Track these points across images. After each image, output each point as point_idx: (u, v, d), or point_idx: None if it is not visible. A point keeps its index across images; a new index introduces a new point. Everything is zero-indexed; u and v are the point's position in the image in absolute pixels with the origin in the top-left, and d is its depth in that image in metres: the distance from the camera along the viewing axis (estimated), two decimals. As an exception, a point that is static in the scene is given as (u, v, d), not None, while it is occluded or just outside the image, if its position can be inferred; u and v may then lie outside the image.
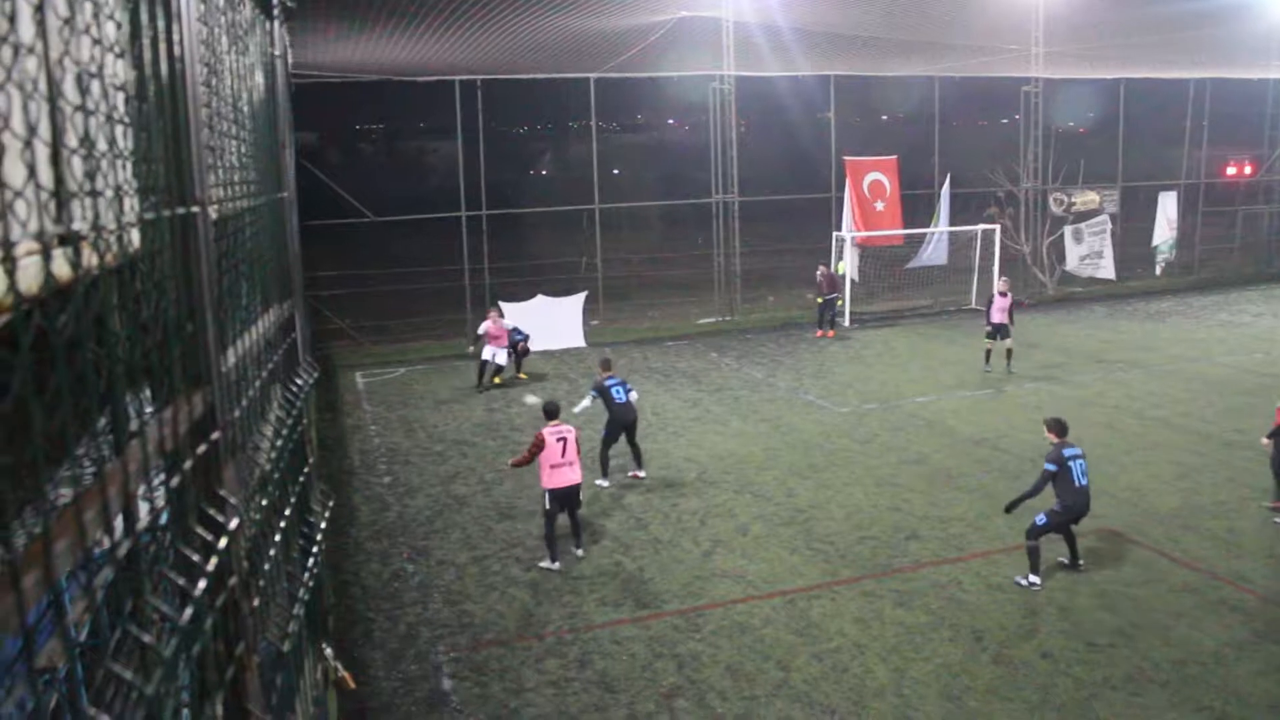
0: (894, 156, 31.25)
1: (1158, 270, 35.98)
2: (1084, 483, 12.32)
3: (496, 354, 22.28)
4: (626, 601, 12.08)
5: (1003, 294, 23.23)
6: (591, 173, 28.71)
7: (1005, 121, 39.34)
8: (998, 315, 22.98)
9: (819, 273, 27.25)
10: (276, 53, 5.02)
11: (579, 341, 26.53)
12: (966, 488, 15.76)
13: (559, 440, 12.89)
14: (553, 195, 33.64)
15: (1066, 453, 12.38)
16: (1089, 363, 23.79)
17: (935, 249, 31.57)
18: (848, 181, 29.99)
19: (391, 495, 15.96)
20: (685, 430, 18.97)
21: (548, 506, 12.96)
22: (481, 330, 22.37)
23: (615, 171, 49.79)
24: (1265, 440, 15.02)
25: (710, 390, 21.77)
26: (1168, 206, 35.55)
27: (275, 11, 4.98)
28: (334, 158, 56.40)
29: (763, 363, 24.54)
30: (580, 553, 13.35)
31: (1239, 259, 38.92)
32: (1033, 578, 12.28)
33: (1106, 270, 34.18)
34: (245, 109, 3.78)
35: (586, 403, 16.28)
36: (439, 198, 28.95)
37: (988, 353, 23.35)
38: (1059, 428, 12.73)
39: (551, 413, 13.49)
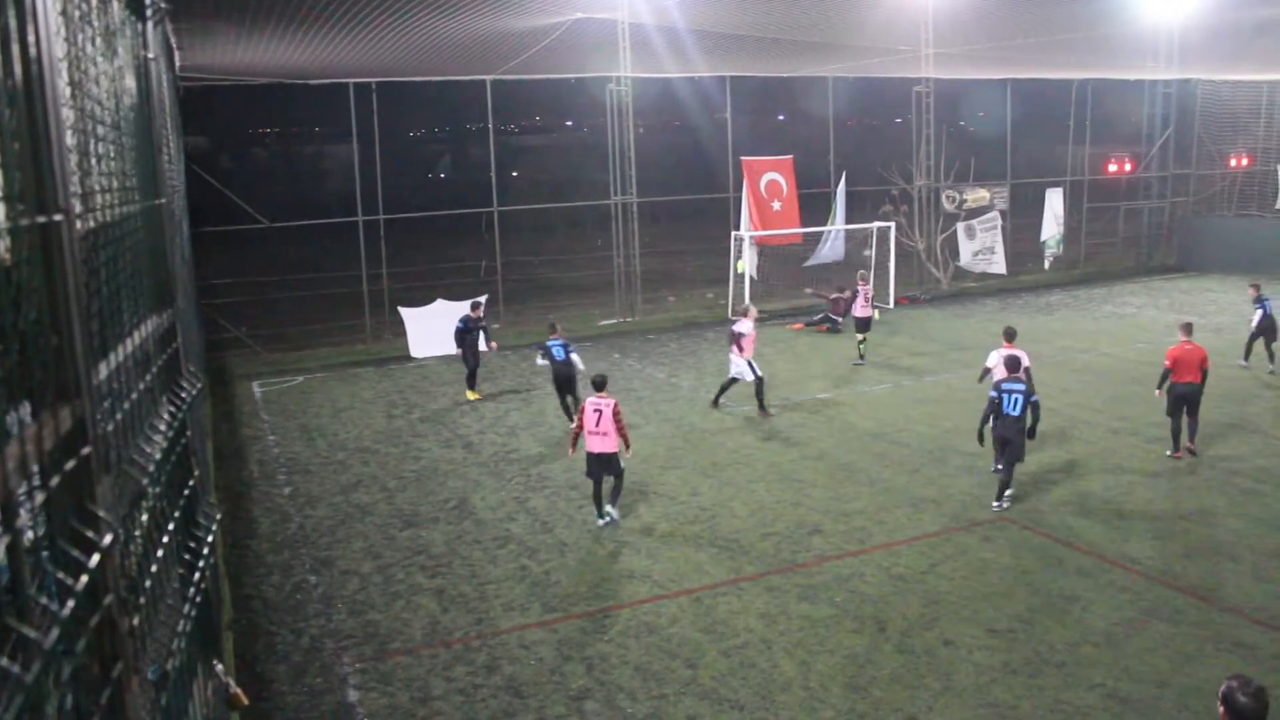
0: (790, 156, 31.63)
1: (1046, 264, 36.99)
2: (1013, 413, 14.21)
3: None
4: (533, 605, 12.02)
5: (862, 288, 24.49)
6: (490, 175, 28.56)
7: (899, 121, 40.07)
8: (861, 310, 24.10)
9: (850, 292, 26.31)
10: (150, 54, 4.88)
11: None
12: (866, 481, 16.01)
13: (595, 411, 14.14)
14: (451, 199, 33.35)
15: (1004, 385, 14.39)
16: (981, 355, 24.31)
17: (832, 246, 32.03)
18: (745, 181, 30.27)
19: (292, 506, 15.66)
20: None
21: (587, 470, 14.42)
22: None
23: (514, 174, 49.58)
24: (1157, 392, 16.79)
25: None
26: (1055, 203, 36.58)
27: (148, 12, 4.84)
28: (227, 163, 55.14)
29: (665, 363, 24.65)
30: (613, 511, 14.43)
31: (1121, 253, 40.20)
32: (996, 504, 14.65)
33: (998, 265, 35.03)
34: (115, 113, 3.67)
35: (539, 360, 18.77)
36: (336, 202, 28.56)
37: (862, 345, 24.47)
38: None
39: (598, 385, 14.69)
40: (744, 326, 19.84)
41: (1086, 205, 39.14)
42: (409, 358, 25.46)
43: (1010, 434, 14.36)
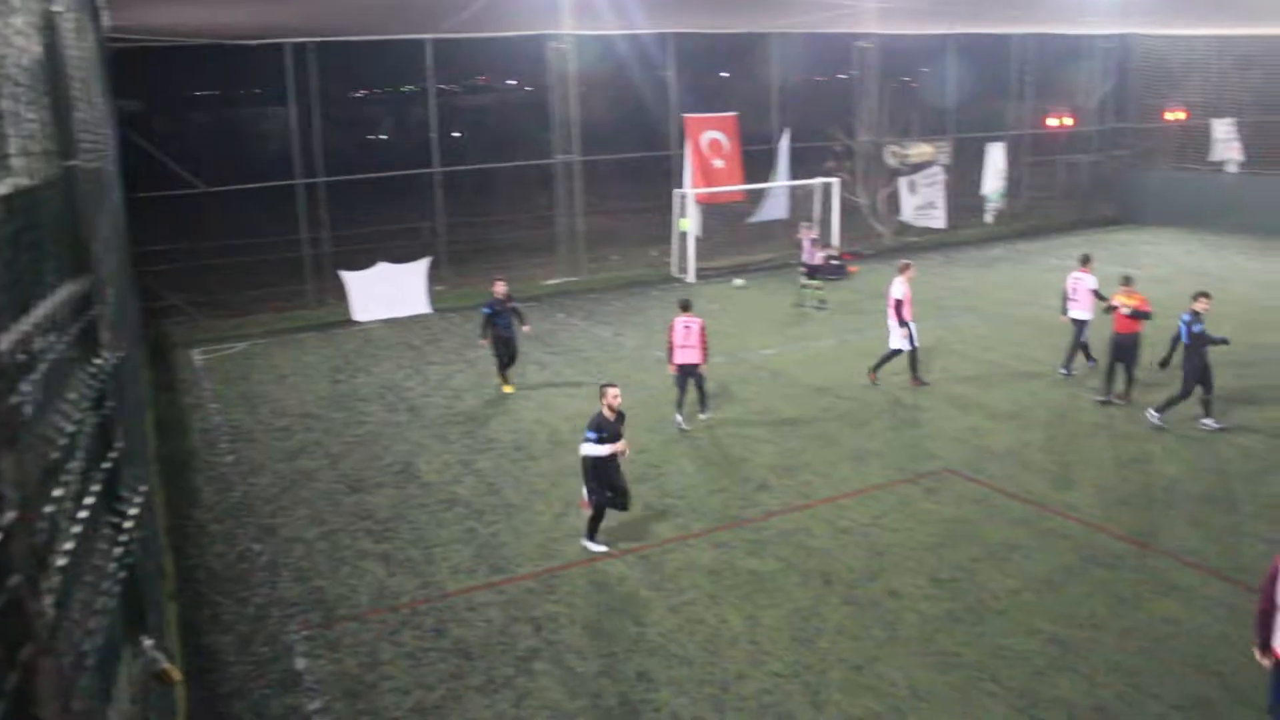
0: (732, 114, 31.51)
1: (988, 218, 37.23)
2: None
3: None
4: (481, 567, 12.01)
5: (808, 236, 25.56)
6: (431, 136, 28.18)
7: (843, 77, 40.01)
8: (811, 257, 25.40)
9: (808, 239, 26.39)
10: (57, 8, 4.71)
11: (424, 308, 26.13)
12: (812, 436, 16.13)
13: (685, 327, 16.41)
14: (393, 160, 32.88)
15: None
16: (927, 309, 24.48)
17: (775, 203, 32.03)
18: (687, 139, 30.15)
19: (235, 474, 15.48)
20: (534, 393, 18.89)
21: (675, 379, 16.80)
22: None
23: (456, 134, 48.98)
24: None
25: (559, 351, 21.71)
26: (996, 157, 36.77)
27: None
28: (163, 126, 53.90)
29: (610, 322, 24.60)
30: (705, 415, 16.90)
31: (1062, 206, 40.59)
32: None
33: (940, 220, 35.22)
34: (14, 72, 3.54)
35: (486, 309, 18.55)
36: (276, 166, 27.98)
37: (804, 291, 25.29)
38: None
39: (685, 306, 16.88)
40: (898, 289, 18.59)
41: (1027, 160, 39.42)
42: (353, 322, 25.20)
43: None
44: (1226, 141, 42.08)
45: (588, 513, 12.43)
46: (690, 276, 28.92)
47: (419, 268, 26.46)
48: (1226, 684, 9.30)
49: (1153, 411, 16.06)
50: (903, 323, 18.38)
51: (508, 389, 18.87)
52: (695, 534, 12.69)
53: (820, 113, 37.74)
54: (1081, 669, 9.60)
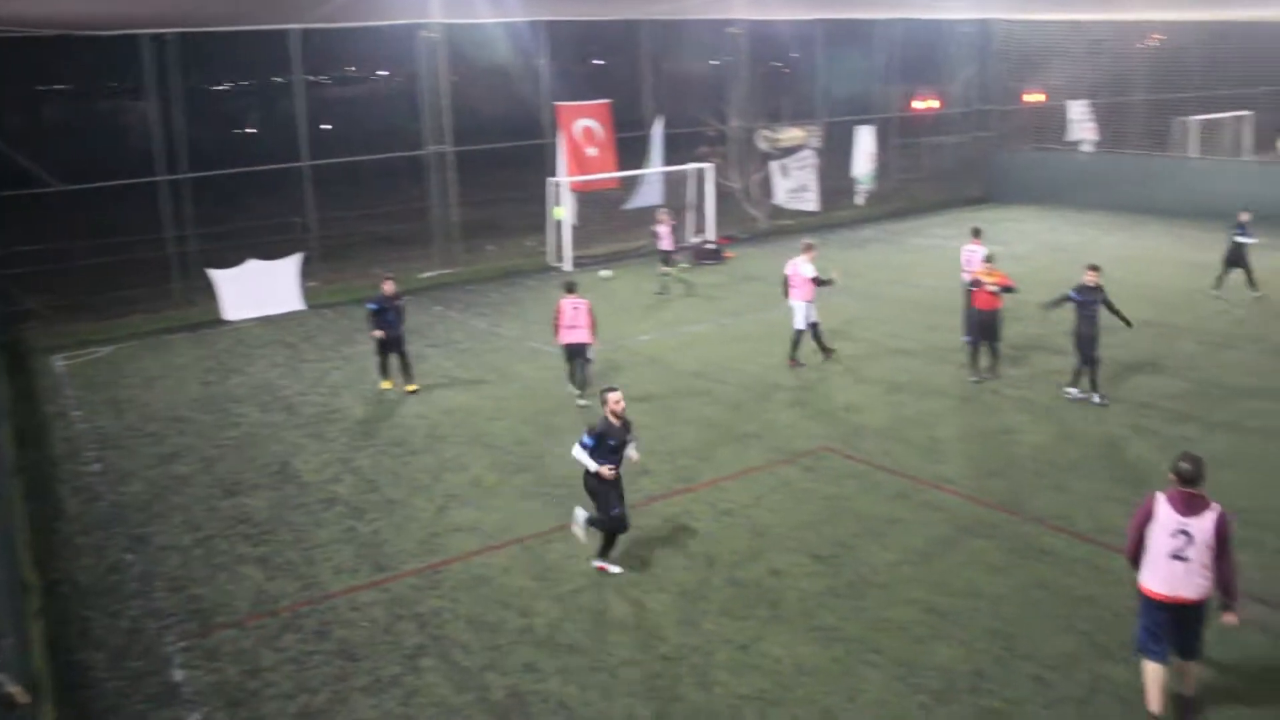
0: (605, 101, 31.52)
1: (859, 200, 37.95)
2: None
3: None
4: (363, 566, 11.85)
5: (664, 222, 25.76)
6: (300, 129, 27.54)
7: (715, 63, 40.32)
8: (667, 242, 25.67)
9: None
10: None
11: (297, 305, 25.57)
12: (691, 420, 16.28)
13: (573, 308, 16.82)
14: (260, 154, 32.03)
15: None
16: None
17: (650, 190, 32.16)
18: (560, 128, 30.07)
19: (103, 483, 14.94)
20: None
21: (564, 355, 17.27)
22: None
23: (326, 127, 48.01)
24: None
25: (436, 344, 21.47)
26: (866, 140, 37.49)
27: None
28: (15, 123, 51.59)
29: (487, 313, 24.43)
30: (581, 399, 17.10)
31: (930, 187, 41.61)
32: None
33: (813, 202, 35.77)
34: None
35: (372, 305, 18.12)
36: (137, 162, 27.03)
37: (664, 278, 25.61)
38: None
39: (570, 287, 17.29)
40: (807, 269, 18.85)
41: (896, 142, 40.29)
42: (223, 321, 24.53)
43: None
44: (1082, 122, 43.67)
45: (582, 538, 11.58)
46: (567, 265, 28.88)
47: (290, 264, 25.87)
48: (1093, 641, 9.71)
49: (1068, 388, 16.56)
50: (806, 300, 18.85)
51: (385, 385, 18.46)
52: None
53: (693, 99, 38.03)
54: (958, 636, 9.91)
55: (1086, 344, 16.15)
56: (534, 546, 12.12)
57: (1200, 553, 8.07)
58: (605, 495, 11.33)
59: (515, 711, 9.01)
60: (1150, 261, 26.99)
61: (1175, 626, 8.32)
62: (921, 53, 42.17)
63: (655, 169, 32.22)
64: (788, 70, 49.35)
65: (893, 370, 18.54)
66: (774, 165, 35.40)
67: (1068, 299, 16.30)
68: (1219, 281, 22.88)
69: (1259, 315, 21.53)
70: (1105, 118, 44.71)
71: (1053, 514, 12.46)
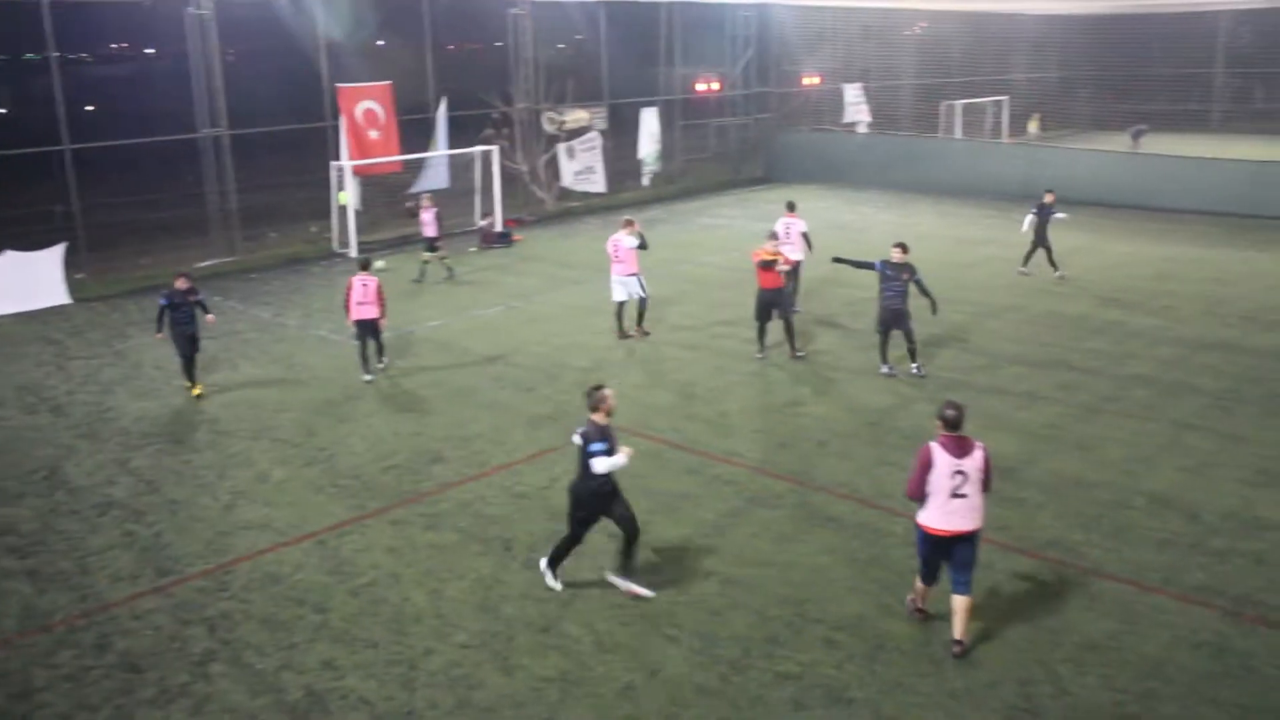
0: (387, 83, 30.87)
1: (645, 181, 38.48)
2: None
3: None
4: (145, 572, 11.29)
5: (427, 208, 25.14)
6: (59, 109, 25.85)
7: (499, 45, 39.97)
8: (431, 229, 25.06)
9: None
10: None
11: (62, 298, 24.09)
12: (484, 404, 16.21)
13: (363, 285, 17.10)
14: (14, 136, 29.91)
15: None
16: (591, 272, 25.11)
17: (435, 173, 31.75)
18: (341, 110, 29.30)
19: None
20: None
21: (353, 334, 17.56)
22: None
23: (88, 108, 45.30)
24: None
25: (216, 336, 20.51)
26: (650, 122, 38.01)
27: None
28: None
29: (270, 302, 23.61)
30: (382, 365, 17.86)
31: (714, 167, 42.55)
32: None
33: (600, 184, 36.08)
34: None
35: (163, 301, 16.87)
36: None
37: (425, 265, 25.18)
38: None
39: (364, 264, 17.79)
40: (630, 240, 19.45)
41: (680, 123, 40.98)
42: (-23, 318, 22.88)
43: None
44: (856, 105, 45.53)
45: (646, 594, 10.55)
46: (353, 251, 28.19)
47: (53, 254, 24.33)
48: (879, 601, 10.18)
49: (914, 367, 17.01)
50: (631, 274, 19.30)
51: (197, 391, 17.17)
52: (371, 513, 12.48)
53: (478, 81, 37.61)
54: (752, 605, 10.22)
55: (889, 319, 16.66)
56: (327, 541, 11.83)
57: (974, 488, 9.05)
58: (606, 502, 10.47)
59: (314, 711, 8.79)
60: (920, 237, 28.30)
61: (953, 556, 9.22)
62: (703, 36, 42.97)
63: (440, 152, 31.81)
64: (572, 52, 49.41)
65: (681, 348, 18.91)
66: (560, 147, 35.50)
67: (870, 266, 16.82)
68: (1026, 259, 23.95)
69: (1024, 287, 22.99)
70: (878, 100, 46.74)
71: (838, 482, 13.00)
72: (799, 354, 17.98)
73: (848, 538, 11.56)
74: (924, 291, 16.60)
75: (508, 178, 32.73)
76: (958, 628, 9.33)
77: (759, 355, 18.10)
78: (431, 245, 25.22)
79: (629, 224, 19.64)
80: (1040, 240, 23.49)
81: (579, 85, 37.20)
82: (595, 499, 10.37)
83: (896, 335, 16.87)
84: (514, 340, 19.63)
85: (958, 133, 48.87)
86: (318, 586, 10.82)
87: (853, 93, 45.67)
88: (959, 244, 27.64)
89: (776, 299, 17.80)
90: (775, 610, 10.13)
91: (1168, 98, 58.08)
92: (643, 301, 19.58)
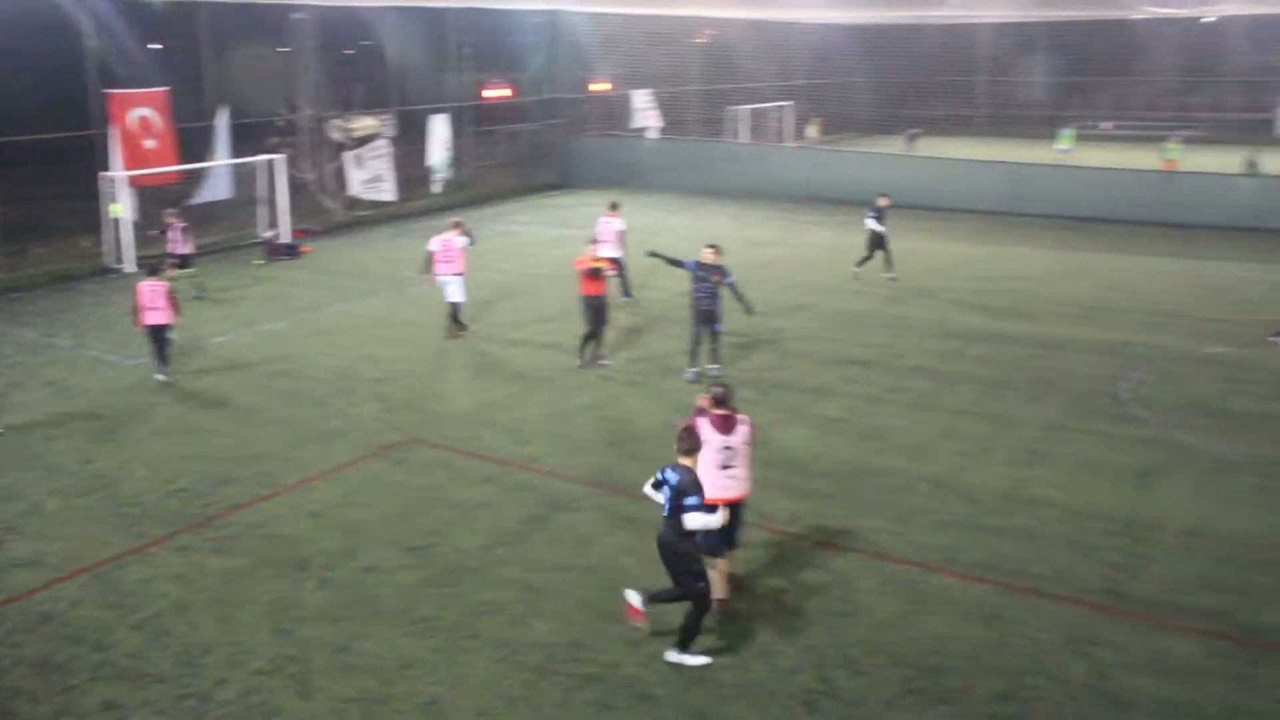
0: (163, 89, 29.50)
1: (436, 189, 38.01)
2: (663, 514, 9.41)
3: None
4: (-104, 621, 10.43)
5: (173, 225, 23.52)
6: None
7: (284, 50, 38.76)
8: (181, 246, 23.41)
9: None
10: None
11: None
12: (274, 421, 15.67)
13: (150, 290, 17.16)
14: None
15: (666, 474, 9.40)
16: (382, 282, 24.67)
17: (218, 183, 30.54)
18: (113, 118, 27.82)
19: None
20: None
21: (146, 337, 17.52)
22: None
23: None
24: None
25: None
26: (440, 128, 37.55)
27: None
28: None
29: (38, 323, 22.14)
30: (163, 377, 17.46)
31: (506, 174, 42.43)
32: None
33: (389, 192, 35.41)
34: None
35: None
36: None
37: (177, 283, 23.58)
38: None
39: (152, 270, 17.92)
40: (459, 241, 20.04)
41: (471, 130, 40.68)
42: None
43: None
44: (645, 110, 46.19)
45: (641, 624, 9.75)
46: (129, 265, 26.76)
47: None
48: (677, 600, 10.35)
49: (713, 368, 17.07)
50: (456, 274, 19.75)
51: None
52: (155, 541, 11.87)
53: (261, 88, 36.46)
54: (554, 609, 10.23)
55: (699, 319, 16.83)
56: (106, 573, 11.18)
57: (742, 459, 9.95)
58: (697, 557, 9.43)
59: (93, 753, 8.32)
60: (712, 239, 28.90)
61: (726, 522, 9.45)
62: (493, 41, 42.84)
63: (222, 161, 30.61)
64: (359, 58, 48.41)
65: (475, 355, 18.82)
66: (348, 155, 34.69)
67: (681, 265, 17.03)
68: (862, 262, 24.50)
69: (811, 286, 23.82)
70: (667, 106, 47.56)
71: (634, 483, 13.07)
72: (603, 360, 18.07)
73: (645, 537, 11.63)
74: (737, 296, 16.80)
75: (294, 187, 31.76)
76: (721, 588, 10.01)
77: (605, 362, 18.05)
78: (184, 262, 23.51)
79: (457, 225, 20.19)
80: (878, 243, 24.22)
81: (367, 91, 36.52)
82: (689, 544, 9.29)
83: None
84: (303, 354, 19.07)
85: (744, 137, 50.28)
86: (96, 623, 10.21)
87: (642, 98, 46.32)
88: (748, 245, 28.40)
89: (603, 304, 17.79)
90: (577, 614, 10.17)
91: (938, 103, 61.56)
92: (459, 306, 19.94)
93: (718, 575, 9.92)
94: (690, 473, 9.08)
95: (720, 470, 9.77)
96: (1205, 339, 19.64)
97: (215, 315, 22.19)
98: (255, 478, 13.55)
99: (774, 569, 11.04)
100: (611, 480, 13.28)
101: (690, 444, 9.19)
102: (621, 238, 21.73)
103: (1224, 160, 37.66)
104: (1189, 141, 44.58)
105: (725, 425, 9.78)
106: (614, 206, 22.29)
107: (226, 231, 30.52)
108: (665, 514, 9.23)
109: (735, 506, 9.82)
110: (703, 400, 10.12)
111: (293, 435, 15.05)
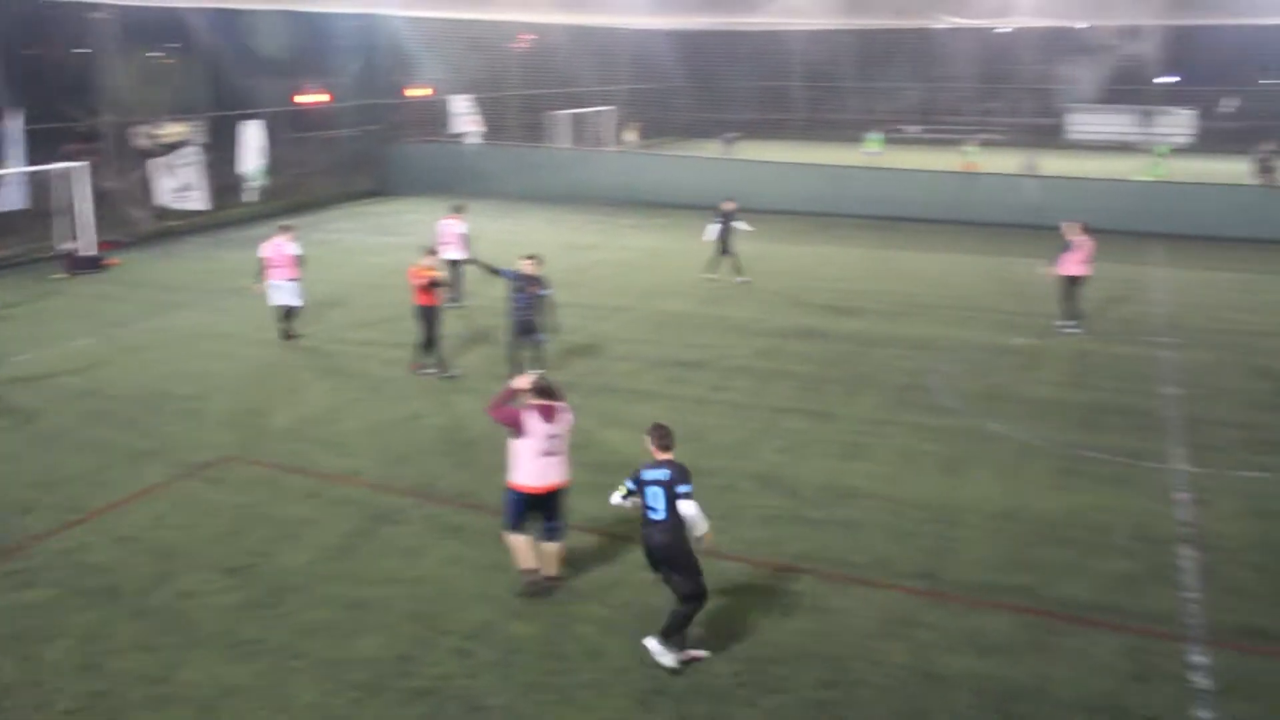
0: (-55, 92, 27.76)
1: (251, 197, 36.84)
2: (656, 516, 9.31)
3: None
4: None
5: None
6: None
7: (85, 51, 36.84)
8: None
9: None
10: None
11: None
12: (79, 443, 14.88)
13: None
14: None
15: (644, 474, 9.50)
16: (196, 294, 23.79)
17: (10, 193, 28.86)
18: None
19: None
20: None
21: None
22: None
23: None
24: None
25: None
26: (253, 135, 36.37)
27: None
28: None
29: None
30: None
31: (324, 181, 41.45)
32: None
33: (201, 201, 34.11)
34: None
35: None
36: None
37: None
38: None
39: None
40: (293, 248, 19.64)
41: (287, 136, 39.59)
42: None
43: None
44: (465, 115, 45.82)
45: (700, 654, 9.52)
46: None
47: None
48: (505, 606, 10.33)
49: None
50: (292, 279, 19.43)
51: None
52: (-52, 576, 11.17)
53: (59, 91, 34.57)
54: (382, 624, 10.06)
55: (518, 328, 16.73)
56: (-109, 612, 10.46)
57: (562, 445, 10.24)
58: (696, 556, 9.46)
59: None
60: (532, 245, 28.94)
61: (548, 508, 10.25)
62: (308, 45, 41.78)
63: (14, 169, 28.94)
64: (168, 61, 46.52)
65: (292, 368, 18.35)
66: (155, 163, 33.29)
67: (500, 273, 17.06)
68: (712, 265, 24.71)
69: (633, 290, 24.08)
70: (487, 111, 47.27)
71: (460, 492, 13.07)
72: (428, 370, 17.83)
73: (472, 546, 11.63)
74: (544, 309, 16.80)
75: (99, 197, 30.26)
76: (553, 568, 10.53)
77: (429, 371, 17.74)
78: None
79: (287, 230, 19.87)
80: (724, 247, 24.47)
81: (175, 96, 35.11)
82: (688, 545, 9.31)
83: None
84: (110, 371, 18.20)
85: (564, 142, 50.45)
86: (-125, 668, 9.52)
87: (461, 103, 45.93)
88: (568, 249, 28.53)
89: (437, 314, 17.59)
90: (405, 627, 10.03)
91: (755, 108, 63.15)
92: (294, 310, 19.69)
93: (522, 549, 10.42)
94: (679, 464, 9.36)
95: (544, 458, 10.08)
96: (1006, 331, 20.78)
97: (14, 333, 20.96)
98: (60, 503, 12.85)
99: (603, 570, 11.12)
100: (438, 491, 13.15)
101: (670, 439, 9.59)
102: (464, 240, 21.88)
103: (1017, 162, 39.88)
104: (987, 145, 47.17)
105: (549, 414, 10.11)
106: (458, 209, 22.49)
107: (23, 245, 28.90)
108: (659, 516, 9.24)
109: (556, 494, 10.28)
110: (520, 382, 10.44)
111: (100, 457, 14.33)
